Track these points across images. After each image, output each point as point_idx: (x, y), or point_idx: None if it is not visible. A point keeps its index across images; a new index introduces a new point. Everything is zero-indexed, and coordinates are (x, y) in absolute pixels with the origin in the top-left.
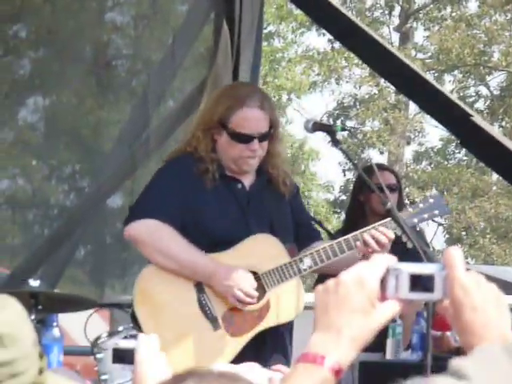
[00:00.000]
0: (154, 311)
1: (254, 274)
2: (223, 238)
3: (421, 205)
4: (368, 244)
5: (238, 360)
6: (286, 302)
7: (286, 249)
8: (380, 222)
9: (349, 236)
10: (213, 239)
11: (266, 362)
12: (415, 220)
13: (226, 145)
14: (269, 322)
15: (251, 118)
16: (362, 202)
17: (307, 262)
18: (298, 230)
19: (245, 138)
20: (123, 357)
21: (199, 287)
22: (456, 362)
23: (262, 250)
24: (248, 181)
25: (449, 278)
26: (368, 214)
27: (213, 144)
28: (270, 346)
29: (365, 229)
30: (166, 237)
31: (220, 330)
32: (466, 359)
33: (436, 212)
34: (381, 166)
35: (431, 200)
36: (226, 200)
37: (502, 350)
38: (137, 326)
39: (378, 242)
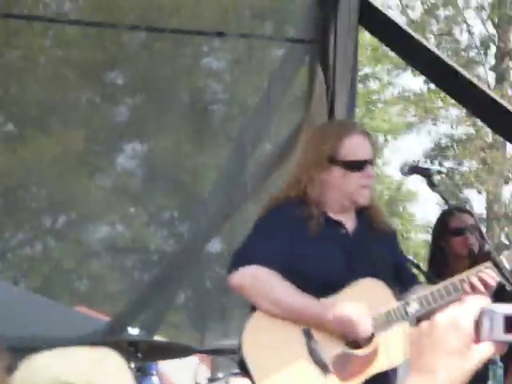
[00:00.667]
0: (263, 358)
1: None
2: (327, 285)
3: None
4: (475, 287)
5: None
6: (394, 346)
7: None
8: (484, 265)
9: (455, 279)
10: (316, 286)
11: None
12: None
13: (340, 180)
14: (378, 366)
15: (362, 144)
16: (443, 248)
17: (414, 306)
18: (398, 274)
19: (360, 165)
20: None
21: (307, 332)
22: None
23: (369, 294)
24: (350, 225)
25: None
26: (451, 259)
27: (321, 187)
28: None
29: (470, 271)
30: (272, 283)
31: (330, 376)
32: None
33: None
34: (461, 209)
35: None
36: (329, 245)
37: None
38: (246, 373)
39: (485, 284)
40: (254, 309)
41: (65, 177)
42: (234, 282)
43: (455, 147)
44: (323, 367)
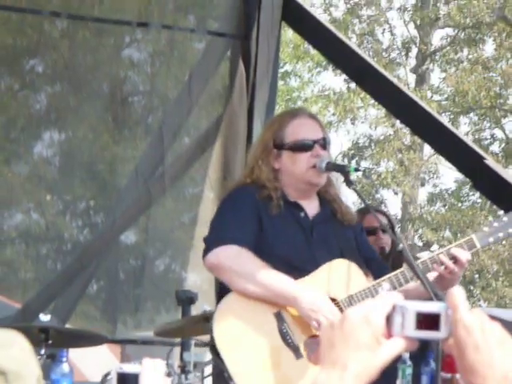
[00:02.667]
0: (235, 342)
1: (333, 300)
2: (288, 263)
3: (495, 224)
4: (445, 264)
5: None
6: None
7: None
8: (451, 246)
9: (426, 258)
10: (278, 263)
11: None
12: (491, 239)
13: (290, 163)
14: None
15: (305, 124)
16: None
17: (386, 287)
18: (369, 265)
19: (306, 145)
20: (127, 381)
21: (279, 316)
22: None
23: (339, 275)
24: (311, 210)
25: (452, 318)
26: None
27: (274, 173)
28: None
29: (441, 250)
30: (248, 261)
31: (302, 359)
32: None
33: (511, 231)
34: (374, 209)
35: (505, 218)
36: (290, 226)
37: None
38: (217, 357)
39: (456, 261)
40: (220, 297)
41: None
42: (209, 262)
43: (373, 147)
44: (295, 350)
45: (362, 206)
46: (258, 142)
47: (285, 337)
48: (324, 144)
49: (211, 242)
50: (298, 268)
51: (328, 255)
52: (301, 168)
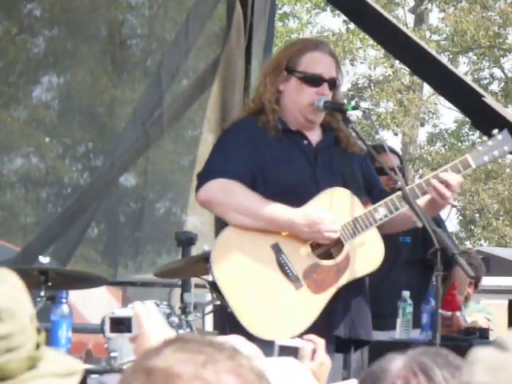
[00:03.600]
0: (234, 276)
1: None
2: (292, 189)
3: (490, 142)
4: (436, 188)
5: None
6: (364, 254)
7: (361, 201)
8: (445, 167)
9: (421, 181)
10: (282, 191)
11: (339, 321)
12: (486, 158)
13: (294, 91)
14: (349, 275)
15: (323, 60)
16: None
17: (382, 212)
18: (373, 192)
19: (315, 80)
20: (120, 325)
21: (276, 248)
22: (503, 334)
23: (338, 203)
24: (314, 137)
25: None
26: None
27: (277, 95)
28: (343, 303)
29: (433, 173)
30: (239, 192)
31: (302, 288)
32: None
33: (506, 148)
34: (384, 148)
35: (499, 137)
36: (292, 153)
37: None
38: (218, 293)
39: (447, 185)
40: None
41: None
42: (202, 197)
43: (372, 88)
44: (294, 280)
45: (378, 143)
46: (271, 60)
47: (283, 268)
48: (333, 84)
49: (202, 177)
50: (300, 196)
51: (332, 182)
52: (303, 100)
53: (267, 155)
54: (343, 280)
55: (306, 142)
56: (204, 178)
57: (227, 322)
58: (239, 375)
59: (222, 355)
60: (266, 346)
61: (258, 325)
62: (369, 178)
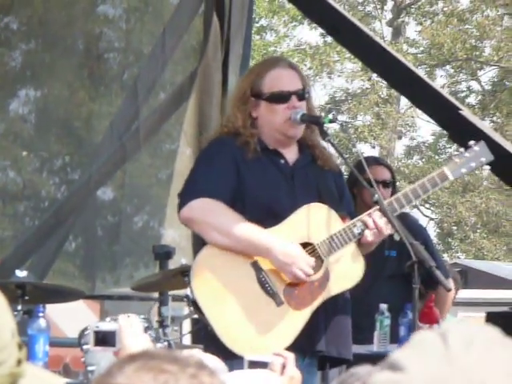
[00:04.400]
0: (214, 294)
1: (310, 244)
2: (271, 208)
3: (467, 154)
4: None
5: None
6: (344, 269)
7: (339, 216)
8: (423, 180)
9: (399, 195)
10: (260, 210)
11: (320, 337)
12: (463, 170)
13: (267, 113)
14: (329, 291)
15: (284, 75)
16: (355, 195)
17: (360, 226)
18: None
19: (282, 96)
20: (104, 339)
21: (256, 265)
22: (394, 354)
23: (316, 219)
24: (291, 156)
25: None
26: (359, 206)
27: (251, 120)
28: (325, 318)
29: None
30: (221, 213)
31: (283, 306)
32: (403, 349)
33: (483, 159)
34: (377, 161)
35: (476, 148)
36: (270, 172)
37: (436, 335)
38: (198, 312)
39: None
40: (198, 253)
41: None
42: (184, 215)
43: (350, 101)
44: (275, 298)
45: (370, 156)
46: (236, 90)
47: (264, 285)
48: (302, 95)
49: (185, 196)
50: (279, 215)
51: (309, 199)
52: (277, 119)
53: (246, 174)
54: (323, 296)
55: (282, 161)
56: (187, 196)
57: (207, 339)
58: None
59: (185, 373)
60: (236, 362)
61: (240, 342)
62: (341, 196)
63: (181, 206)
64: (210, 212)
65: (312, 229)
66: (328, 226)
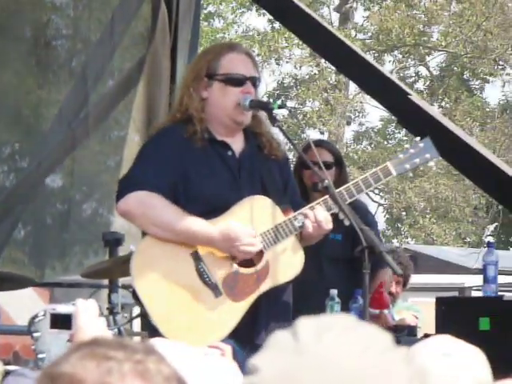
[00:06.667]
0: (153, 285)
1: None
2: (214, 204)
3: (411, 150)
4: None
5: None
6: (284, 262)
7: (281, 209)
8: (365, 175)
9: (349, 184)
10: (204, 205)
11: (260, 329)
12: (407, 166)
13: (219, 95)
14: (269, 283)
15: (241, 59)
16: (301, 179)
17: (301, 219)
18: (288, 198)
19: (239, 79)
20: (60, 322)
21: (196, 256)
22: (251, 361)
23: (258, 211)
24: (238, 147)
25: None
26: (307, 190)
27: (202, 103)
28: (265, 311)
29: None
30: (158, 206)
31: (221, 297)
32: (259, 353)
33: (428, 156)
34: (319, 143)
35: (421, 144)
36: (216, 166)
37: (287, 333)
38: (138, 302)
39: (318, 224)
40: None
41: None
42: (121, 208)
43: (298, 87)
44: (214, 289)
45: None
46: (189, 70)
47: (202, 276)
48: (255, 82)
49: (123, 187)
50: (223, 209)
51: (253, 192)
52: (229, 102)
53: (190, 167)
54: (263, 288)
55: (230, 152)
56: (125, 187)
57: (149, 327)
58: (146, 379)
59: (131, 360)
60: None
61: (176, 333)
62: (285, 184)
63: (118, 196)
64: (147, 205)
65: (254, 221)
66: (270, 218)
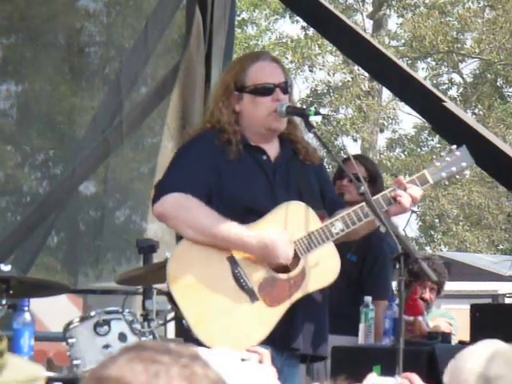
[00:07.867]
0: (190, 289)
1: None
2: (249, 207)
3: (448, 158)
4: (400, 196)
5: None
6: (320, 268)
7: (317, 215)
8: (405, 181)
9: (378, 196)
10: (238, 209)
11: (297, 334)
12: (444, 174)
13: (250, 107)
14: (305, 289)
15: (267, 67)
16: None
17: (339, 226)
18: (325, 201)
19: (267, 89)
20: None
21: (232, 260)
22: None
23: (294, 217)
24: (273, 152)
25: None
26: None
27: (235, 116)
28: (302, 316)
29: (391, 189)
30: (194, 208)
31: (258, 302)
32: None
33: (464, 164)
34: (356, 157)
35: (458, 153)
36: (251, 170)
37: None
38: (173, 306)
39: (412, 197)
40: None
41: None
42: (157, 210)
43: (331, 94)
44: (250, 293)
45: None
46: (218, 84)
47: (239, 280)
48: (285, 88)
49: (159, 190)
50: (258, 214)
51: (289, 197)
52: (262, 112)
53: (225, 171)
54: (298, 294)
55: (265, 157)
56: (161, 191)
57: (185, 332)
58: (192, 383)
59: (177, 364)
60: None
61: (212, 337)
62: (322, 186)
63: (154, 199)
64: (184, 208)
65: (290, 226)
66: (306, 224)
